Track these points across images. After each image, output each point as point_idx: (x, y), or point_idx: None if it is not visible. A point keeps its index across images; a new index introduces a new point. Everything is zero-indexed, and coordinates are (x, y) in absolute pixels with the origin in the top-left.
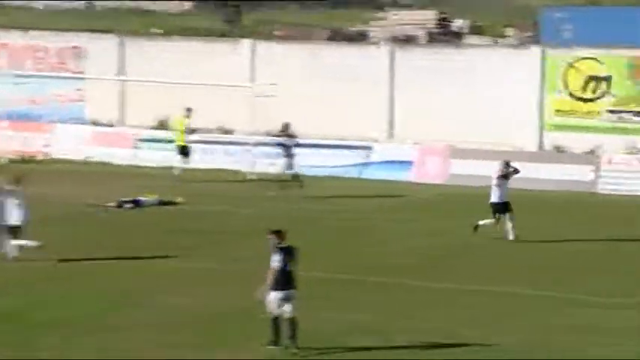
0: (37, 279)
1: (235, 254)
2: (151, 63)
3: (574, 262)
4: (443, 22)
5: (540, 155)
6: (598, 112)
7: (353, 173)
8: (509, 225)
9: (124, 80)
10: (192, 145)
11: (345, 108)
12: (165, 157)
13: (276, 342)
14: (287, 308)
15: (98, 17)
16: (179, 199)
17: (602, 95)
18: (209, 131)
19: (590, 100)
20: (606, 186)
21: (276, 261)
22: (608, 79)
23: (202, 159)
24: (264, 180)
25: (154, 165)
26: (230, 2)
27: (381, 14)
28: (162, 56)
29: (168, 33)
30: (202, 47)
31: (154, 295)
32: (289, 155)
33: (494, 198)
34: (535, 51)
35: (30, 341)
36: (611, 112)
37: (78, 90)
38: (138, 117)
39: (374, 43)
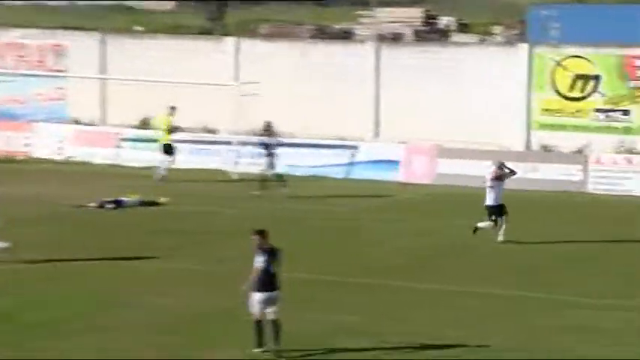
0: (21, 280)
1: (219, 254)
2: (134, 61)
3: (563, 262)
4: (429, 20)
5: (528, 155)
6: (586, 112)
7: (339, 173)
8: (502, 227)
9: (106, 79)
10: (176, 145)
11: (330, 107)
12: (149, 156)
13: (260, 344)
14: (270, 310)
15: (80, 15)
16: (162, 200)
17: (591, 94)
18: (192, 130)
19: (578, 99)
20: (595, 186)
21: (259, 262)
22: (596, 78)
23: (186, 159)
24: (248, 180)
25: (137, 165)
26: (214, 0)
27: (367, 12)
28: (145, 54)
29: (150, 31)
30: (186, 45)
31: (141, 295)
32: (271, 154)
33: (489, 200)
34: (522, 49)
35: (19, 342)
36: (599, 110)
37: (59, 89)
38: (120, 116)
39: (360, 41)
